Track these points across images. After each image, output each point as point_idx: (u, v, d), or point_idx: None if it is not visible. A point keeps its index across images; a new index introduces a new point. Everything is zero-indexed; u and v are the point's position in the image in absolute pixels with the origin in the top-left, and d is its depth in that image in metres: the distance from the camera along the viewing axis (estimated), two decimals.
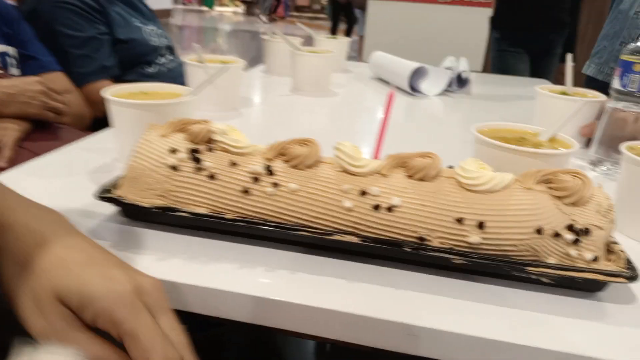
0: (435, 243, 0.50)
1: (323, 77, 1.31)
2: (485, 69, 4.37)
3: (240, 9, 16.14)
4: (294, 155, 0.53)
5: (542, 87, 1.02)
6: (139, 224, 0.56)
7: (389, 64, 1.46)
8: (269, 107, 1.16)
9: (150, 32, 1.56)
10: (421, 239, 0.50)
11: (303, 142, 0.55)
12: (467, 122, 1.14)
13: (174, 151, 0.54)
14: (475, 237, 0.49)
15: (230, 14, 15.74)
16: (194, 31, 11.18)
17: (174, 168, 0.54)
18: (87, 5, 1.39)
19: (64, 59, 1.35)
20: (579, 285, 0.49)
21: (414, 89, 1.37)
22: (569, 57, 1.03)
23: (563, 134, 0.69)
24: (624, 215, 0.63)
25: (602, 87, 1.52)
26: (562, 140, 0.67)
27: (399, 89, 1.41)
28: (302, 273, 0.49)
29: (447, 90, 1.42)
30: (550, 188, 0.50)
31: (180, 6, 15.92)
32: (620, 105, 0.82)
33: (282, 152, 0.54)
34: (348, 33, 7.64)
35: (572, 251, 0.48)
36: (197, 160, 0.54)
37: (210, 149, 0.55)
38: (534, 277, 0.49)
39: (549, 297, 0.49)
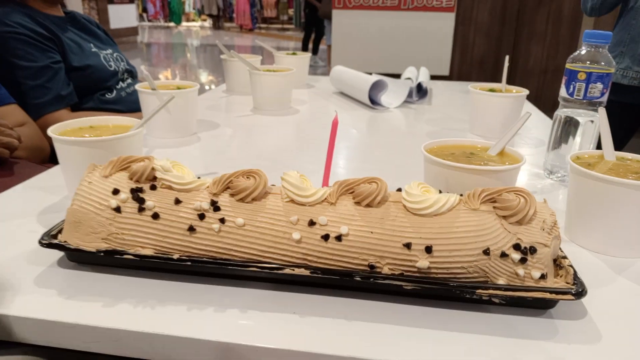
0: (385, 270, 0.50)
1: (283, 95, 1.31)
2: (451, 74, 4.46)
3: (207, 23, 16.10)
4: (240, 189, 0.52)
5: (473, 86, 1.07)
6: (86, 268, 0.55)
7: (348, 78, 1.46)
8: (229, 129, 1.15)
9: (108, 57, 1.53)
10: (371, 266, 0.50)
11: (249, 173, 0.54)
12: (427, 133, 1.15)
13: (116, 192, 0.53)
14: (423, 262, 0.49)
15: (197, 28, 15.68)
16: (162, 48, 11.10)
17: (117, 210, 0.52)
18: (38, 34, 1.36)
19: (18, 91, 1.31)
20: (529, 303, 0.49)
21: (374, 102, 1.37)
22: (507, 58, 1.07)
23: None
24: (574, 226, 0.64)
25: (624, 88, 1.55)
26: (511, 153, 0.68)
27: (361, 102, 1.42)
28: (252, 311, 0.48)
29: (407, 101, 1.43)
30: (495, 207, 0.50)
31: (146, 23, 15.81)
32: (569, 112, 0.83)
33: (227, 186, 0.53)
34: (316, 43, 7.69)
35: (520, 270, 0.48)
36: (140, 201, 0.52)
37: (153, 187, 0.53)
38: (485, 298, 0.49)
39: (501, 317, 0.49)
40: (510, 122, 1.02)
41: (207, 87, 6.07)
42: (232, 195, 0.53)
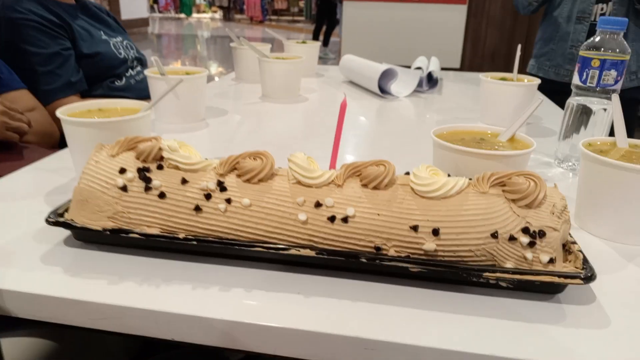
0: (392, 252, 0.49)
1: (292, 83, 1.31)
2: (463, 66, 4.42)
3: (218, 14, 16.09)
4: (247, 170, 0.52)
5: (484, 75, 1.06)
6: (92, 247, 0.55)
7: (358, 67, 1.45)
8: (238, 115, 1.15)
9: (118, 45, 1.53)
10: (377, 248, 0.49)
11: (256, 155, 0.54)
12: (436, 122, 1.14)
13: (123, 171, 0.53)
14: (430, 244, 0.48)
15: (208, 20, 15.68)
16: (172, 39, 11.11)
17: (124, 189, 0.52)
18: (48, 21, 1.36)
19: (28, 77, 1.32)
20: (537, 288, 0.48)
21: (384, 91, 1.36)
22: (519, 47, 1.07)
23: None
24: (585, 213, 0.63)
25: (556, 85, 1.59)
26: (521, 139, 0.67)
27: (370, 91, 1.41)
28: (257, 291, 0.48)
29: (417, 91, 1.42)
30: (504, 191, 0.50)
31: (157, 14, 15.84)
32: (582, 100, 0.82)
33: (234, 167, 0.53)
34: (328, 34, 7.65)
35: (529, 254, 0.48)
36: (146, 180, 0.52)
37: (160, 167, 0.53)
38: (492, 281, 0.48)
39: (509, 301, 0.48)
40: (521, 111, 1.00)
41: (216, 78, 6.08)
42: (238, 176, 0.53)
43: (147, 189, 0.52)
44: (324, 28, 7.59)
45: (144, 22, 11.78)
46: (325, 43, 7.68)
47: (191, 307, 0.46)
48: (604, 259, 0.56)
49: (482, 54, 4.43)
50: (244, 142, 0.97)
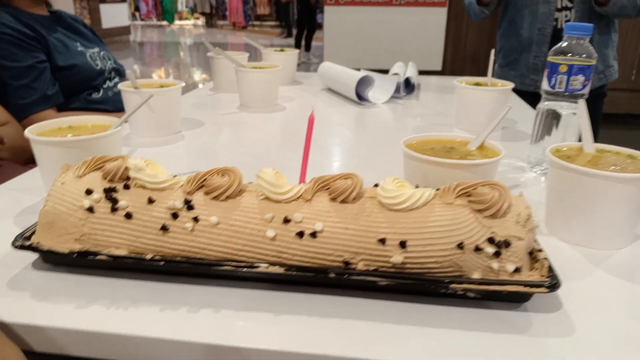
0: (360, 266, 0.50)
1: (269, 92, 1.31)
2: (444, 69, 4.45)
3: (200, 21, 16.04)
4: (214, 187, 0.52)
5: (459, 80, 1.07)
6: (60, 269, 0.54)
7: (336, 74, 1.46)
8: (214, 127, 1.14)
9: (95, 56, 1.52)
10: (346, 262, 0.50)
11: (224, 171, 0.54)
12: (413, 129, 1.15)
13: (89, 192, 0.53)
14: (398, 257, 0.48)
15: (190, 26, 15.62)
16: (154, 47, 11.05)
17: (90, 210, 0.52)
18: (22, 33, 1.35)
19: (2, 91, 1.30)
20: (504, 297, 0.49)
21: (362, 98, 1.37)
22: (492, 52, 1.09)
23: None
24: (554, 219, 0.64)
25: (521, 94, 1.62)
26: (490, 147, 0.67)
27: (348, 98, 1.41)
28: (226, 310, 0.48)
29: (394, 97, 1.43)
30: (470, 202, 0.50)
31: (139, 22, 15.74)
32: (551, 105, 0.83)
33: (202, 184, 0.53)
34: (309, 39, 7.67)
35: (495, 264, 0.48)
36: (113, 200, 0.52)
37: (127, 187, 0.53)
38: (459, 292, 0.49)
39: (477, 312, 0.49)
40: (495, 115, 1.02)
41: (200, 85, 6.05)
42: (206, 193, 0.52)
43: (114, 209, 0.52)
44: (305, 33, 7.61)
45: (126, 30, 11.71)
46: (307, 48, 7.69)
47: (159, 330, 0.45)
48: (571, 265, 0.57)
49: (463, 55, 4.47)
50: (220, 154, 0.97)
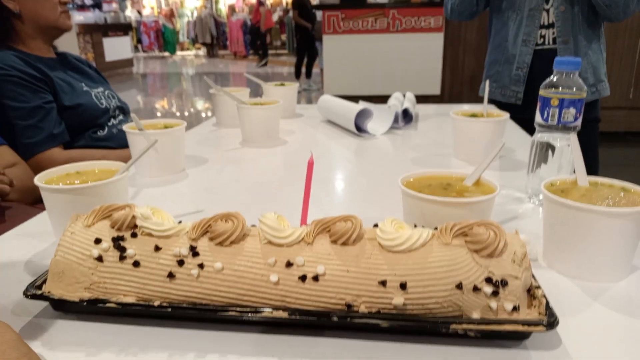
0: (362, 308, 0.51)
1: (271, 128, 1.34)
2: (443, 93, 4.51)
3: (202, 51, 16.31)
4: (218, 233, 0.54)
5: (455, 112, 1.10)
6: (71, 317, 0.56)
7: (335, 107, 1.49)
8: (218, 163, 1.17)
9: (100, 95, 1.56)
10: (348, 305, 0.51)
11: (227, 217, 0.56)
12: (412, 160, 1.17)
13: (98, 241, 0.54)
14: (399, 299, 0.50)
15: (192, 57, 15.88)
16: (157, 77, 11.23)
17: (99, 259, 0.54)
18: (30, 75, 1.39)
19: (10, 131, 1.34)
20: (503, 336, 0.50)
21: (361, 130, 1.40)
22: (487, 82, 1.12)
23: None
24: (551, 252, 0.66)
25: (502, 106, 1.66)
26: (486, 183, 0.69)
27: (348, 130, 1.44)
28: (232, 356, 0.49)
29: (394, 127, 1.45)
30: (467, 242, 0.52)
31: (142, 54, 16.02)
32: (545, 137, 0.85)
33: (206, 230, 0.55)
34: (309, 67, 7.79)
35: (493, 303, 0.49)
36: (121, 249, 0.54)
37: (134, 235, 0.55)
38: (460, 332, 0.50)
39: (478, 351, 0.50)
40: (492, 146, 1.04)
41: (203, 115, 6.13)
42: (210, 239, 0.54)
43: (122, 258, 0.53)
44: (305, 60, 7.73)
45: (129, 62, 11.92)
46: (308, 75, 7.81)
47: None
48: (570, 299, 0.58)
49: (461, 80, 4.55)
50: (223, 192, 0.99)
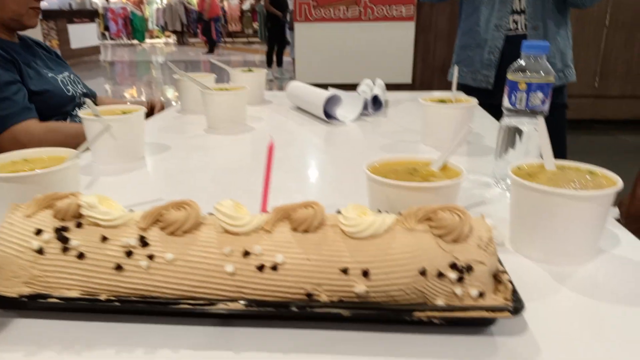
0: (324, 297, 0.48)
1: (237, 114, 1.29)
2: (414, 81, 4.51)
3: (172, 39, 15.97)
4: (170, 222, 0.50)
5: (424, 98, 1.09)
6: (11, 314, 0.52)
7: (304, 94, 1.46)
8: (180, 151, 1.12)
9: (66, 80, 1.49)
10: (309, 294, 0.48)
11: (180, 205, 0.52)
12: (381, 146, 1.15)
13: (39, 232, 0.50)
14: (361, 287, 0.48)
15: (162, 45, 15.54)
16: (125, 66, 10.95)
17: (39, 251, 0.50)
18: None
19: None
20: (468, 323, 0.48)
21: (330, 117, 1.37)
22: (456, 68, 1.10)
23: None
24: (518, 237, 0.64)
25: (473, 90, 1.66)
26: (452, 168, 0.67)
27: (317, 117, 1.41)
28: (185, 351, 0.46)
29: (364, 114, 1.43)
30: (431, 227, 0.50)
31: (109, 42, 15.58)
32: (513, 121, 0.84)
33: (157, 219, 0.51)
34: (280, 55, 7.70)
35: (458, 289, 0.48)
36: (64, 240, 0.50)
37: (79, 225, 0.51)
38: (424, 320, 0.48)
39: (443, 338, 0.48)
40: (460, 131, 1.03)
41: (173, 104, 6.00)
42: (162, 228, 0.51)
43: (65, 249, 0.49)
44: (276, 49, 7.65)
45: (95, 50, 11.59)
46: (279, 63, 7.73)
47: None
48: (536, 284, 0.57)
49: (432, 68, 4.56)
50: (184, 180, 0.95)
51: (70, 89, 1.48)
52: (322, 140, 1.24)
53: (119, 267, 0.49)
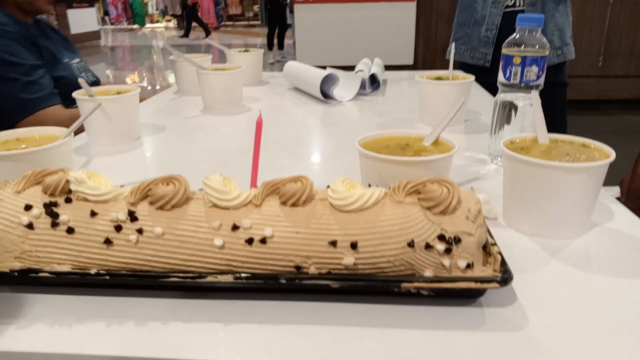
0: (312, 270, 0.49)
1: (233, 94, 1.29)
2: (416, 62, 4.47)
3: (172, 23, 15.84)
4: (159, 196, 0.50)
5: (420, 75, 1.08)
6: (3, 289, 0.52)
7: (301, 73, 1.45)
8: (176, 132, 1.12)
9: (78, 67, 1.49)
10: (297, 267, 0.49)
11: (169, 180, 0.52)
12: (377, 125, 1.14)
13: (28, 208, 0.51)
14: (349, 259, 0.48)
15: (162, 29, 15.42)
16: (126, 51, 10.89)
17: (29, 226, 0.50)
18: (23, 36, 1.32)
19: (9, 87, 1.26)
20: (456, 294, 0.49)
21: (327, 96, 1.36)
22: (453, 45, 1.09)
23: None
24: (510, 210, 0.64)
25: (471, 68, 1.63)
26: (445, 142, 0.67)
27: (314, 97, 1.40)
28: (175, 322, 0.47)
29: (360, 94, 1.42)
30: (420, 199, 0.50)
31: (109, 26, 15.47)
32: (508, 96, 0.83)
33: (146, 194, 0.51)
34: (281, 38, 7.63)
35: (446, 261, 0.48)
36: (53, 215, 0.50)
37: (69, 200, 0.51)
38: (413, 291, 0.48)
39: (431, 309, 0.48)
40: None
41: (174, 86, 5.97)
42: (151, 203, 0.51)
43: (55, 224, 0.50)
44: (276, 31, 7.57)
45: (95, 35, 11.50)
46: (280, 46, 7.66)
47: (104, 347, 0.44)
48: (527, 257, 0.57)
49: (434, 49, 4.51)
50: (179, 160, 0.95)
51: (83, 76, 1.48)
52: (318, 120, 1.24)
53: (108, 242, 0.49)
